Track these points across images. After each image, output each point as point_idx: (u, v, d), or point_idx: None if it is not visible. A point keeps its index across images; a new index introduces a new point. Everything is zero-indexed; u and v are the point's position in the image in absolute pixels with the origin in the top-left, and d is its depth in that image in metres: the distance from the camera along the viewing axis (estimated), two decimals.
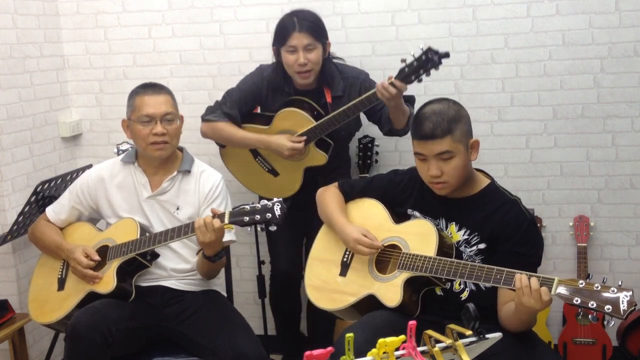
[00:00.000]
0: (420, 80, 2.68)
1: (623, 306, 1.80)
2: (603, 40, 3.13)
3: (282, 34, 2.86)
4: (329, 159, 3.00)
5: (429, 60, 2.63)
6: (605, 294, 1.83)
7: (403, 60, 2.68)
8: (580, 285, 1.88)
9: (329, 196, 2.55)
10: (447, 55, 2.65)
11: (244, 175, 3.18)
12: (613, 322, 1.85)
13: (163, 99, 2.57)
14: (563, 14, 3.15)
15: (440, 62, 2.64)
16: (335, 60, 3.03)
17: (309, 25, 2.83)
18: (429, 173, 2.19)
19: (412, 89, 3.20)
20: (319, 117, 2.90)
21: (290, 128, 2.94)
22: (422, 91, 3.27)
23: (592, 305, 1.84)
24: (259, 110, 3.09)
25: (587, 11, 3.12)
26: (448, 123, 2.15)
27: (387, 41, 3.32)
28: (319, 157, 2.97)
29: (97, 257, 2.53)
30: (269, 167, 3.08)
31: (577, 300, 1.86)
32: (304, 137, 2.90)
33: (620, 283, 1.87)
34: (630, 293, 1.82)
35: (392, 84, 2.67)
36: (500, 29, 3.21)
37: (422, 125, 2.17)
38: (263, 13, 3.39)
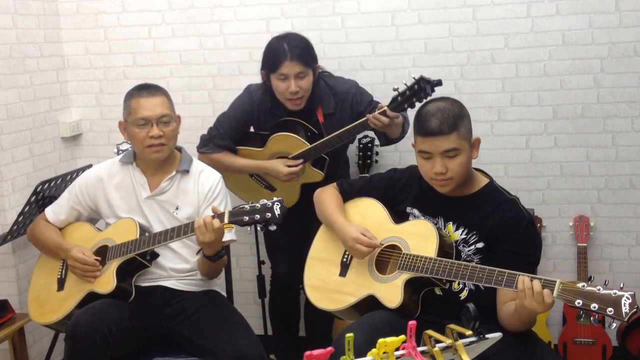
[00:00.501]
0: (413, 107, 2.67)
1: (625, 309, 1.80)
2: (603, 40, 3.13)
3: (273, 61, 2.81)
4: (328, 164, 3.00)
5: (421, 90, 2.63)
6: (607, 296, 1.83)
7: (395, 89, 2.67)
8: (582, 287, 1.88)
9: (327, 196, 2.54)
10: (439, 83, 2.64)
11: (241, 190, 3.18)
12: (615, 325, 1.84)
13: (158, 101, 2.55)
14: (563, 14, 3.15)
15: (433, 91, 2.64)
16: (323, 74, 3.01)
17: (300, 53, 2.79)
18: (433, 170, 2.18)
19: None
20: (312, 137, 2.90)
21: (284, 150, 2.95)
22: None
23: (594, 307, 1.83)
24: (252, 129, 3.09)
25: (587, 11, 3.12)
26: (454, 119, 2.15)
27: (387, 41, 3.32)
28: (315, 175, 2.97)
29: (95, 257, 2.53)
30: (266, 184, 3.09)
31: (579, 303, 1.86)
32: (301, 160, 2.91)
33: (622, 285, 1.86)
34: (632, 294, 1.82)
35: (384, 112, 2.68)
36: (500, 29, 3.21)
37: (427, 122, 2.16)
38: (263, 13, 3.39)
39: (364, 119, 2.75)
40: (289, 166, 2.91)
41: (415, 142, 2.25)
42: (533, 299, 1.93)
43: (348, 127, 2.80)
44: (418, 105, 2.61)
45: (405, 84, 2.65)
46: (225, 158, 3.03)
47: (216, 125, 3.04)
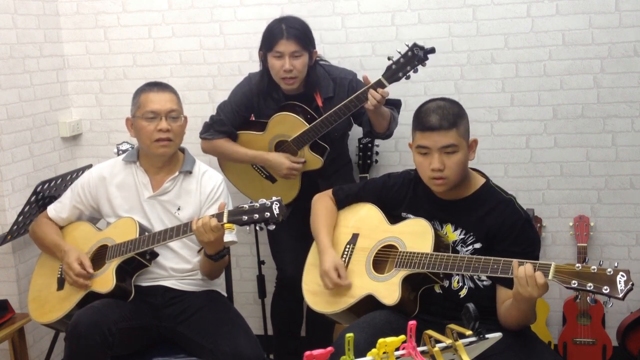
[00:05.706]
0: (408, 77, 2.72)
1: (620, 286, 1.83)
2: (603, 40, 3.13)
3: (270, 39, 2.88)
4: (329, 162, 3.01)
5: (415, 56, 2.68)
6: (602, 275, 1.86)
7: (390, 58, 2.71)
8: (577, 269, 1.90)
9: (320, 208, 2.55)
10: (432, 50, 2.69)
11: (243, 183, 3.19)
12: (612, 303, 1.88)
13: (168, 97, 2.59)
14: (563, 14, 3.15)
15: (426, 58, 2.69)
16: (321, 62, 3.05)
17: (296, 33, 2.85)
18: (431, 166, 2.18)
19: (411, 88, 3.19)
20: (312, 120, 2.91)
21: (284, 132, 2.95)
22: (422, 91, 3.28)
23: (590, 287, 1.86)
24: (253, 118, 3.10)
25: (587, 11, 3.12)
26: (454, 117, 2.18)
27: (387, 41, 3.32)
28: (314, 161, 2.97)
29: (90, 270, 2.52)
30: (267, 174, 3.09)
31: (574, 283, 1.89)
32: (303, 159, 2.94)
33: (616, 264, 1.88)
34: (627, 271, 1.84)
35: (379, 82, 2.70)
36: (500, 29, 3.21)
37: (428, 117, 2.18)
38: (263, 13, 3.39)
39: (360, 90, 2.77)
40: (292, 162, 2.94)
41: (413, 139, 2.25)
42: (527, 284, 1.95)
43: (345, 101, 2.81)
44: (413, 74, 2.70)
45: (399, 52, 2.70)
46: (226, 144, 3.04)
47: (217, 111, 3.07)
